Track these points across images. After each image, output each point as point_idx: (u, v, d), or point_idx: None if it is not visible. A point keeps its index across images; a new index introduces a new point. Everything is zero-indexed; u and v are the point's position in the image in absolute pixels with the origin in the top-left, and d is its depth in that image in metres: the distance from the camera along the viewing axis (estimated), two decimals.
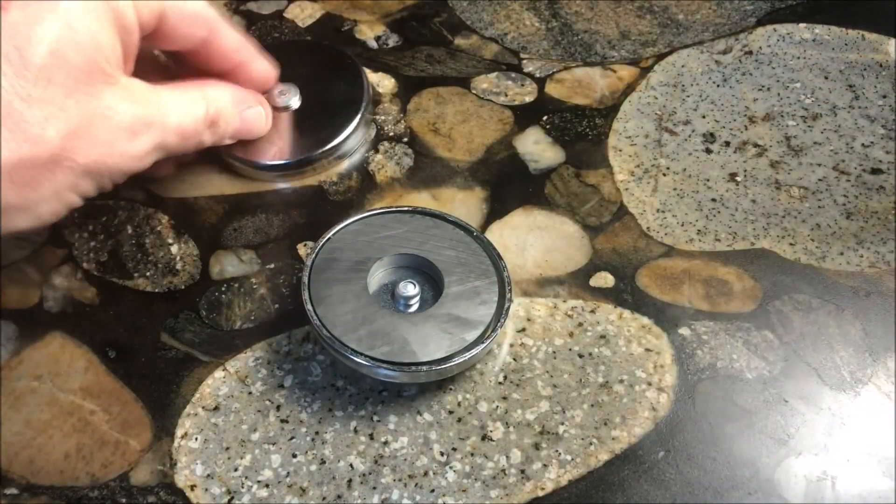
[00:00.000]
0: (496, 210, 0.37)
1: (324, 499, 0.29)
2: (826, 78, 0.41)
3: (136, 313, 0.34)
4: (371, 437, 0.30)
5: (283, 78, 0.37)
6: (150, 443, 0.30)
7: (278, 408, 0.31)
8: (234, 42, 0.34)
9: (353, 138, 0.38)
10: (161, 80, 0.32)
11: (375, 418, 0.31)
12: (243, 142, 0.36)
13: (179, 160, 0.37)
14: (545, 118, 0.40)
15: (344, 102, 0.39)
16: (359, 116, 0.38)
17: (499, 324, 0.30)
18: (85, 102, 0.28)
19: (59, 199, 0.29)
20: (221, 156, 0.38)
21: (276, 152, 0.37)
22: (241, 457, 0.30)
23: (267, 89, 0.37)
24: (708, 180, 0.38)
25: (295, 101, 0.38)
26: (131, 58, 0.31)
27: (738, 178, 0.38)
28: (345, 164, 0.39)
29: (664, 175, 0.38)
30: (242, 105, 0.35)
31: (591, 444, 0.30)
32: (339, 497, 0.29)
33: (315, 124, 0.38)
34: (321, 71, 0.40)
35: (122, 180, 0.31)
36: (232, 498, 0.29)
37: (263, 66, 0.36)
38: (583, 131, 0.40)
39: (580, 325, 0.33)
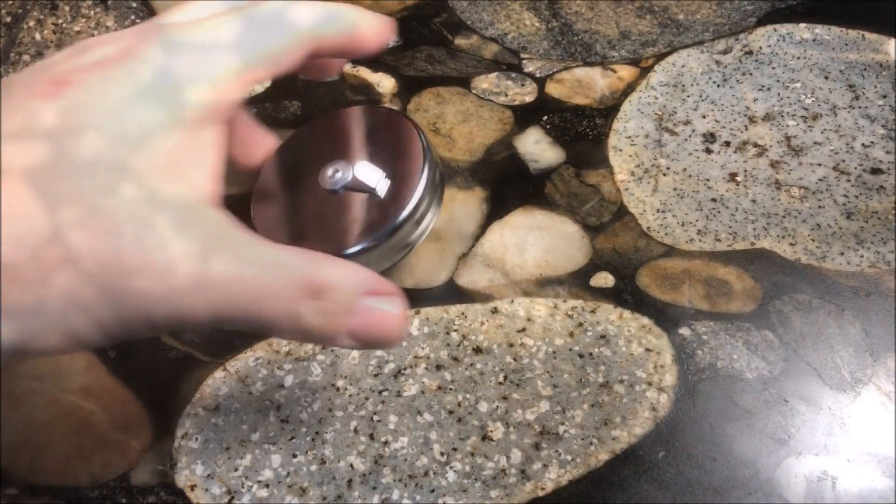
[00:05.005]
0: (496, 210, 0.37)
1: (324, 499, 0.29)
2: (826, 78, 0.41)
3: None
4: (371, 437, 0.30)
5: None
6: (150, 443, 0.30)
7: (278, 408, 0.31)
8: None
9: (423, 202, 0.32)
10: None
11: (375, 418, 0.31)
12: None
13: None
14: (545, 118, 0.40)
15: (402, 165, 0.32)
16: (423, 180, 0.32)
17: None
18: None
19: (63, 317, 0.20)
20: None
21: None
22: (241, 457, 0.30)
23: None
24: (708, 180, 0.38)
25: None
26: None
27: (738, 178, 0.38)
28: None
29: (664, 175, 0.38)
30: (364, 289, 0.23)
31: (591, 444, 0.30)
32: (339, 497, 0.29)
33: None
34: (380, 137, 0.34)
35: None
36: (232, 498, 0.29)
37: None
38: (583, 131, 0.40)
39: (580, 325, 0.33)
